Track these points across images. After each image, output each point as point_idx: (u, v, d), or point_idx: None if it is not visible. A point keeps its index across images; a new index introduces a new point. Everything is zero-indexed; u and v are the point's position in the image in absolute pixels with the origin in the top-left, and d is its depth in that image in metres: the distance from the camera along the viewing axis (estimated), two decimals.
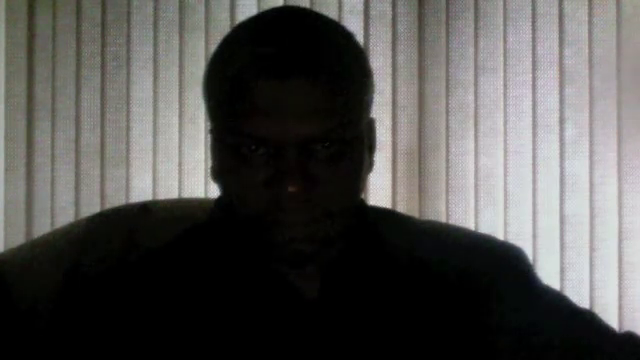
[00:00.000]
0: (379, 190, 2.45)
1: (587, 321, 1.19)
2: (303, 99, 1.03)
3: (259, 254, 1.10)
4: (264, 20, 1.12)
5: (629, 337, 1.18)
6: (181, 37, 2.51)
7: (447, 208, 2.46)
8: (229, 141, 1.07)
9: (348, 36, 1.12)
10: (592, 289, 2.44)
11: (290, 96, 1.03)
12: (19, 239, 2.44)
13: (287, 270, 1.10)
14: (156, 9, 2.51)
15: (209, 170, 1.13)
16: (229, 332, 1.09)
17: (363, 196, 1.16)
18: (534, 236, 2.45)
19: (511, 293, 1.17)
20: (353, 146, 1.07)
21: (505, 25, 2.47)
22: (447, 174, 2.47)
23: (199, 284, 1.12)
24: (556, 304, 1.20)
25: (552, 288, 1.22)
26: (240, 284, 1.11)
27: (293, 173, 1.03)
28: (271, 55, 1.04)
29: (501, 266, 1.19)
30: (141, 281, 1.13)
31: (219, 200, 1.17)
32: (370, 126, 1.13)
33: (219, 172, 1.10)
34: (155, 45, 2.51)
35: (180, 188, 2.49)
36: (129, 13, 2.51)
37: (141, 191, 2.49)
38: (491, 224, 2.44)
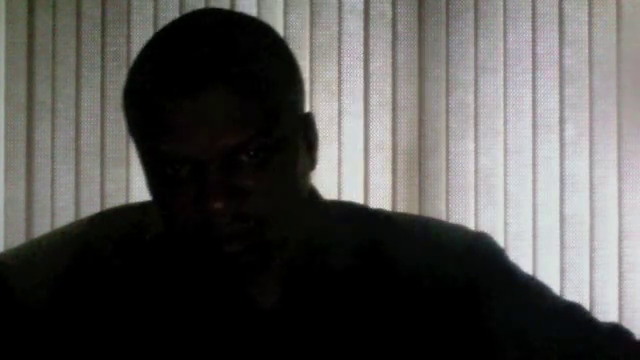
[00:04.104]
0: (379, 190, 2.44)
1: (570, 313, 1.16)
2: (216, 112, 1.00)
3: (206, 269, 1.08)
4: (172, 32, 1.07)
5: (613, 328, 1.17)
6: None
7: (447, 208, 2.46)
8: (151, 163, 1.05)
9: (265, 34, 1.07)
10: (592, 289, 2.44)
11: (203, 111, 1.00)
12: (19, 239, 2.44)
13: (241, 282, 1.08)
14: (156, 9, 2.51)
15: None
16: (183, 345, 1.08)
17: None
18: (534, 236, 2.45)
19: (491, 286, 1.14)
20: (280, 149, 1.03)
21: (505, 25, 2.47)
22: (447, 174, 2.47)
23: (152, 299, 1.11)
24: (537, 296, 1.16)
25: (529, 275, 1.19)
26: (194, 297, 1.10)
27: (214, 189, 1.00)
28: (177, 72, 1.00)
29: (476, 259, 1.15)
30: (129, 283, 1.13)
31: None
32: (306, 122, 1.09)
33: (150, 194, 1.08)
34: None
35: None
36: (129, 13, 2.51)
37: (141, 191, 2.48)
38: (491, 224, 2.44)
